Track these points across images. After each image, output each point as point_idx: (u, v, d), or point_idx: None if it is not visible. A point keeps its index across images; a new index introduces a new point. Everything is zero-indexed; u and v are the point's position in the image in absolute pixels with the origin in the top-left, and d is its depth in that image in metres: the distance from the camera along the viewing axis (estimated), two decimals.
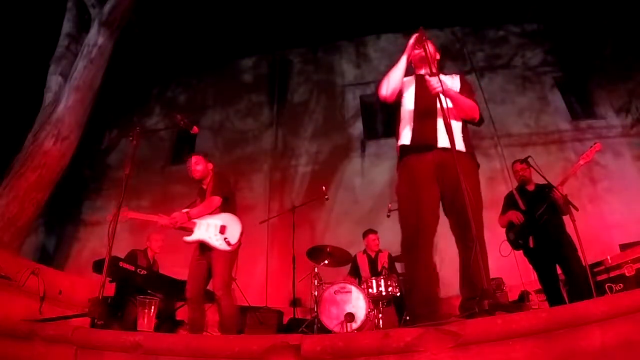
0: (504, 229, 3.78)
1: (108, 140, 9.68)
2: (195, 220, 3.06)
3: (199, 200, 3.28)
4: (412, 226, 1.96)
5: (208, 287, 3.10)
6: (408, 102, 2.21)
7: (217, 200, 3.13)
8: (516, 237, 3.62)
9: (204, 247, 3.04)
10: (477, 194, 1.93)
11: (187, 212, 3.06)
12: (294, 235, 4.58)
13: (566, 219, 3.39)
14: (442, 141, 2.00)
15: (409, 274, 1.99)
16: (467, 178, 1.72)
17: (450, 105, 1.98)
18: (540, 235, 3.44)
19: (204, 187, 3.30)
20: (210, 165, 3.35)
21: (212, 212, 3.11)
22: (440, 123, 2.02)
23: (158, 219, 3.07)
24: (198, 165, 3.27)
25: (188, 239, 3.03)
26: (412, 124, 2.13)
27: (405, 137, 2.13)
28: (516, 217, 3.55)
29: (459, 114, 2.13)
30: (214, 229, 3.03)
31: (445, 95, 1.93)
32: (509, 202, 3.75)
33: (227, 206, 3.18)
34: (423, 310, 1.82)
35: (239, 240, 3.06)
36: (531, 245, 3.47)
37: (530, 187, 3.71)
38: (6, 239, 4.91)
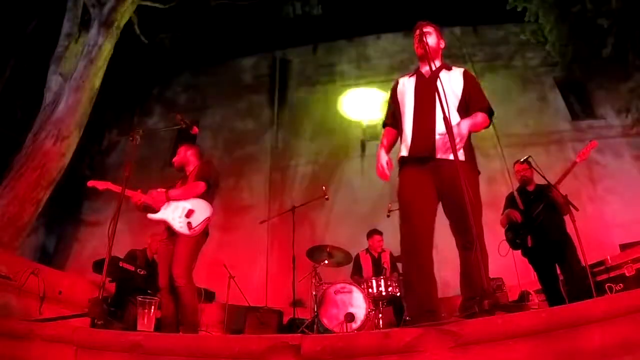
0: (504, 230, 3.78)
1: (108, 140, 9.67)
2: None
3: (180, 183, 3.14)
4: (410, 230, 1.97)
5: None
6: (408, 108, 2.17)
7: (202, 185, 2.96)
8: (514, 237, 3.62)
9: (170, 230, 2.87)
10: (476, 197, 1.93)
11: (165, 192, 2.91)
12: (294, 235, 4.58)
13: (566, 218, 3.39)
14: (441, 152, 1.99)
15: (408, 277, 2.00)
16: (466, 181, 1.72)
17: (450, 107, 1.96)
18: (538, 235, 3.44)
19: (187, 173, 3.17)
20: (191, 151, 3.22)
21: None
22: (438, 133, 2.00)
23: (133, 194, 2.92)
24: (177, 155, 3.20)
25: (152, 216, 2.90)
26: (410, 134, 2.10)
27: (405, 148, 2.12)
28: (514, 215, 3.55)
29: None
30: (180, 211, 2.86)
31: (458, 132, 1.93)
32: (509, 203, 3.75)
33: (205, 194, 2.99)
34: (422, 312, 1.82)
35: (202, 226, 2.85)
36: (529, 245, 3.47)
37: (531, 188, 3.71)
38: (6, 239, 4.90)
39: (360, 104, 8.78)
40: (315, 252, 4.31)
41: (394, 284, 4.00)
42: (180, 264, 2.72)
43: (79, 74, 6.02)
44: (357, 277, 4.53)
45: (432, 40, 2.20)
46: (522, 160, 3.73)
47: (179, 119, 3.05)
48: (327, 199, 4.90)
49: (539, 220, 3.43)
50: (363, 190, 7.56)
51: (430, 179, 2.01)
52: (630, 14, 6.46)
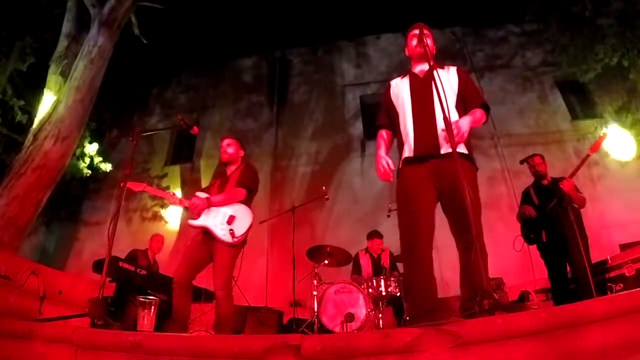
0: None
1: (108, 140, 9.67)
2: None
3: (218, 182, 3.14)
4: (410, 230, 1.98)
5: (201, 285, 3.02)
6: (405, 109, 2.17)
7: (242, 192, 2.98)
8: (528, 232, 3.63)
9: (208, 234, 2.87)
10: (475, 195, 1.94)
11: (208, 199, 2.91)
12: (294, 235, 4.57)
13: (582, 213, 3.38)
14: (444, 148, 1.99)
15: (408, 277, 2.00)
16: (466, 178, 1.72)
17: (449, 105, 1.97)
18: (552, 230, 3.45)
19: (228, 173, 3.15)
20: (242, 153, 3.21)
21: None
22: (440, 129, 2.00)
23: (171, 197, 3.01)
24: (230, 147, 3.15)
25: (193, 222, 2.90)
26: (412, 134, 2.10)
27: (408, 149, 2.11)
28: (528, 211, 3.57)
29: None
30: (221, 217, 2.86)
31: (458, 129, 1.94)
32: (525, 198, 3.77)
33: (245, 200, 3.02)
34: (422, 312, 1.82)
35: (245, 235, 2.87)
36: (544, 240, 3.48)
37: (545, 182, 3.72)
38: (6, 239, 4.90)
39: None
40: (315, 252, 4.31)
41: (393, 284, 4.00)
42: (221, 275, 2.78)
43: (79, 74, 6.02)
44: (357, 276, 4.52)
45: (429, 42, 2.21)
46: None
47: (179, 119, 3.06)
48: (327, 199, 4.90)
49: (553, 215, 3.43)
50: (363, 190, 7.56)
51: (430, 178, 2.02)
52: (630, 14, 6.46)
